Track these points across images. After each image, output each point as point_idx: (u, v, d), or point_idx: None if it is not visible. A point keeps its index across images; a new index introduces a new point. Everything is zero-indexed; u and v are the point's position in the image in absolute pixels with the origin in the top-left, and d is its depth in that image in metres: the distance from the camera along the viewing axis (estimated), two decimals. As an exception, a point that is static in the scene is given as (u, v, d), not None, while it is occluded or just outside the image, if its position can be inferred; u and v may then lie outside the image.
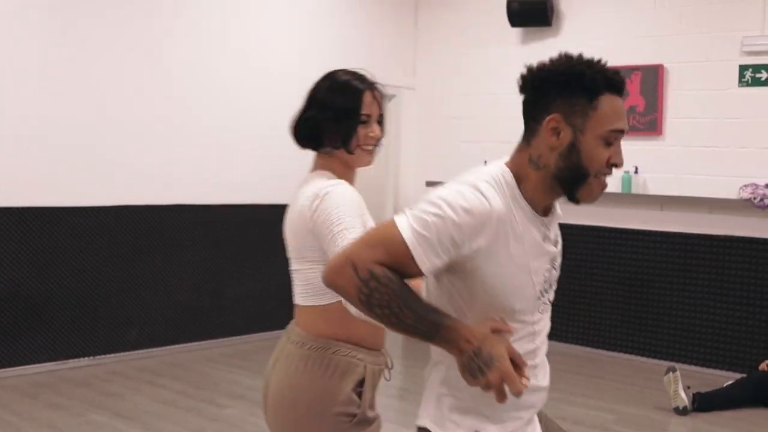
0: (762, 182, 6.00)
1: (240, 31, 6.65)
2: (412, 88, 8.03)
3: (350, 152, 2.23)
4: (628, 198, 6.62)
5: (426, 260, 1.66)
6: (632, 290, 6.63)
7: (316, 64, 7.42)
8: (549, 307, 1.92)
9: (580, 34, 6.92)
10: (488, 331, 1.62)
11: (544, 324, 1.91)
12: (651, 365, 6.38)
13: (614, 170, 1.79)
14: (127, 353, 6.07)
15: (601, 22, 6.83)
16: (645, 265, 6.56)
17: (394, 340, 4.02)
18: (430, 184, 7.22)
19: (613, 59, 7.15)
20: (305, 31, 7.15)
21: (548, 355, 1.93)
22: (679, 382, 5.21)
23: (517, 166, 1.78)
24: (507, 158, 1.82)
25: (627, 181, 6.56)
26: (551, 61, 1.77)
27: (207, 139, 6.47)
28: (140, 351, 6.14)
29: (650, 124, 6.52)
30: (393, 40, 7.84)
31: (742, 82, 6.13)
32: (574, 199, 1.78)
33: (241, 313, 6.73)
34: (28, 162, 5.56)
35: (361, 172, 2.41)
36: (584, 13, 6.93)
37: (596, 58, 1.78)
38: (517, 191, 1.75)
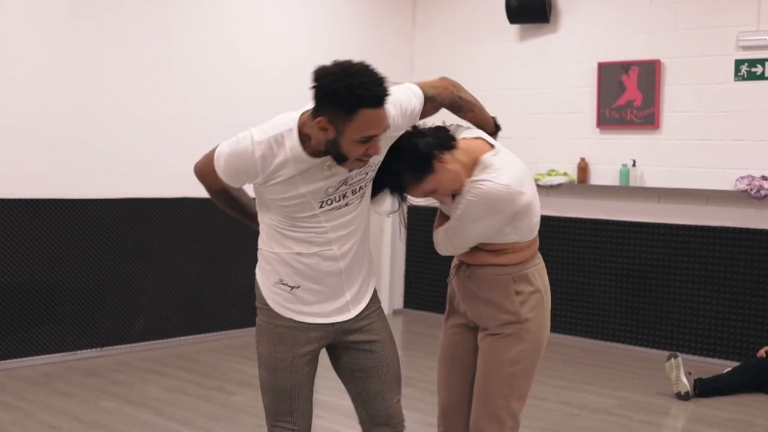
0: (758, 174, 6.12)
1: (238, 29, 6.71)
2: (411, 84, 8.10)
3: None
4: (626, 191, 6.72)
5: None
6: (631, 281, 6.73)
7: (314, 61, 7.49)
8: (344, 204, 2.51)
9: (577, 30, 7.04)
10: None
11: (341, 219, 2.55)
12: (650, 355, 6.49)
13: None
14: (134, 344, 6.13)
15: (599, 19, 6.94)
16: (643, 256, 6.67)
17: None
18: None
19: (610, 55, 7.24)
20: (303, 28, 7.22)
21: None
22: (681, 368, 5.30)
23: (302, 126, 2.37)
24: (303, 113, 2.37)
25: (625, 174, 6.67)
26: (325, 72, 2.23)
27: (212, 133, 6.51)
28: (147, 342, 6.20)
29: (647, 118, 6.64)
30: (391, 36, 7.92)
31: (738, 76, 6.25)
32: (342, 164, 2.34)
33: (246, 305, 6.76)
34: (40, 154, 5.61)
35: None
36: (582, 9, 7.04)
37: (365, 72, 2.23)
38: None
